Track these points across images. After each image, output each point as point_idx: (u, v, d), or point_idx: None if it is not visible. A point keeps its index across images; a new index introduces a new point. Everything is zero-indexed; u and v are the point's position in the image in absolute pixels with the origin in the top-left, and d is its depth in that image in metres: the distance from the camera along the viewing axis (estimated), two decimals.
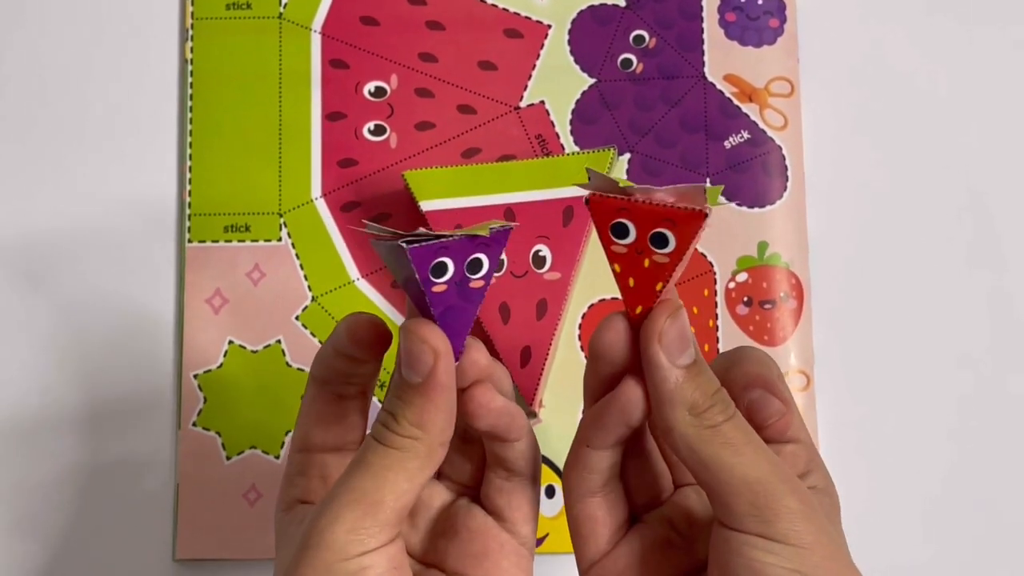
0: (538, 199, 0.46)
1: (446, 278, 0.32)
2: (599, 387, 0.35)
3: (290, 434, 0.50)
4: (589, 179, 0.35)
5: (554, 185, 0.47)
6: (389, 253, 0.32)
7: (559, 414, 0.51)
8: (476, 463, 0.38)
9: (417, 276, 0.31)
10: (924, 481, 0.52)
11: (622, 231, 0.34)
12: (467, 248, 0.32)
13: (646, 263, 0.34)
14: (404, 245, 0.31)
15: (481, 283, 0.33)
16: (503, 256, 0.42)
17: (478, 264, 0.33)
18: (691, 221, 0.33)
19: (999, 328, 0.53)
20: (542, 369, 0.45)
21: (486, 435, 0.36)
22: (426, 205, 0.47)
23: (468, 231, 0.33)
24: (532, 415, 0.50)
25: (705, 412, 0.33)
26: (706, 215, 0.32)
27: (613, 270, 0.34)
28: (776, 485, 0.32)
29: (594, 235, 0.50)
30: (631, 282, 0.35)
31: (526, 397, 0.45)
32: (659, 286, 0.34)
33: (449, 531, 0.37)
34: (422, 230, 0.32)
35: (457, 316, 0.33)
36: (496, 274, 0.37)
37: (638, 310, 0.34)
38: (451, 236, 0.32)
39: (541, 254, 0.46)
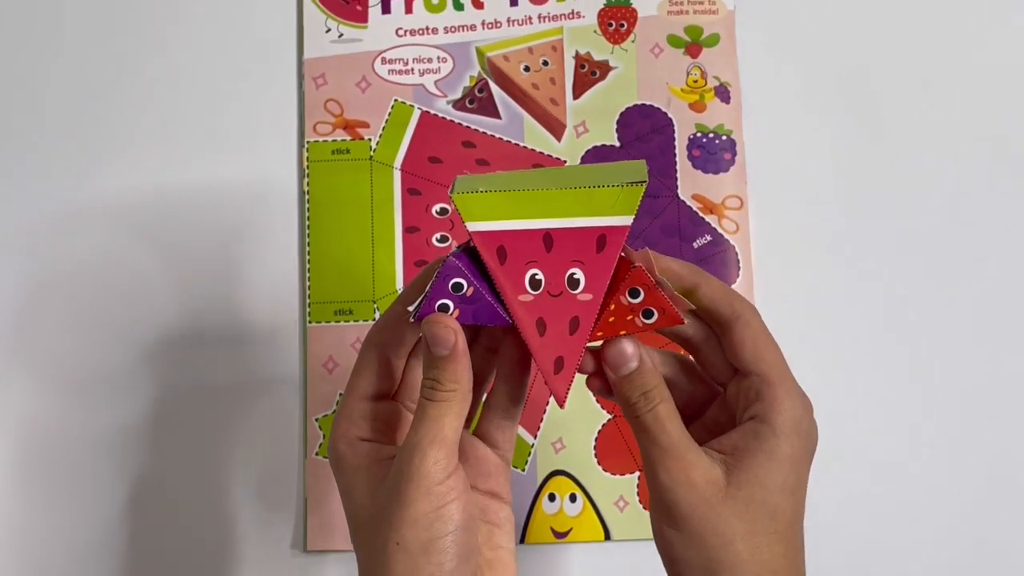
0: (575, 226, 0.45)
1: (460, 295, 0.44)
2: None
3: None
4: (636, 251, 0.46)
5: (590, 214, 0.45)
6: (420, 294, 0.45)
7: (576, 434, 0.62)
8: (471, 410, 0.46)
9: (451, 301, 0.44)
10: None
11: (635, 295, 0.44)
12: (444, 280, 0.44)
13: (628, 317, 0.45)
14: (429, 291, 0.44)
15: (471, 289, 0.44)
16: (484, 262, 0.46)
17: (459, 286, 0.44)
18: (671, 320, 0.44)
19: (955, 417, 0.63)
20: (572, 376, 0.46)
21: (512, 383, 0.48)
22: (472, 226, 0.45)
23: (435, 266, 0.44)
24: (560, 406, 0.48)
25: (632, 406, 0.44)
26: (681, 322, 0.44)
27: (607, 306, 0.44)
28: (646, 449, 0.43)
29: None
30: (611, 319, 0.45)
31: (558, 400, 0.45)
32: (623, 333, 0.45)
33: (461, 457, 0.45)
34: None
35: (478, 310, 0.44)
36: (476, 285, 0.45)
37: (599, 334, 0.45)
38: (432, 280, 0.44)
39: (575, 277, 0.45)
